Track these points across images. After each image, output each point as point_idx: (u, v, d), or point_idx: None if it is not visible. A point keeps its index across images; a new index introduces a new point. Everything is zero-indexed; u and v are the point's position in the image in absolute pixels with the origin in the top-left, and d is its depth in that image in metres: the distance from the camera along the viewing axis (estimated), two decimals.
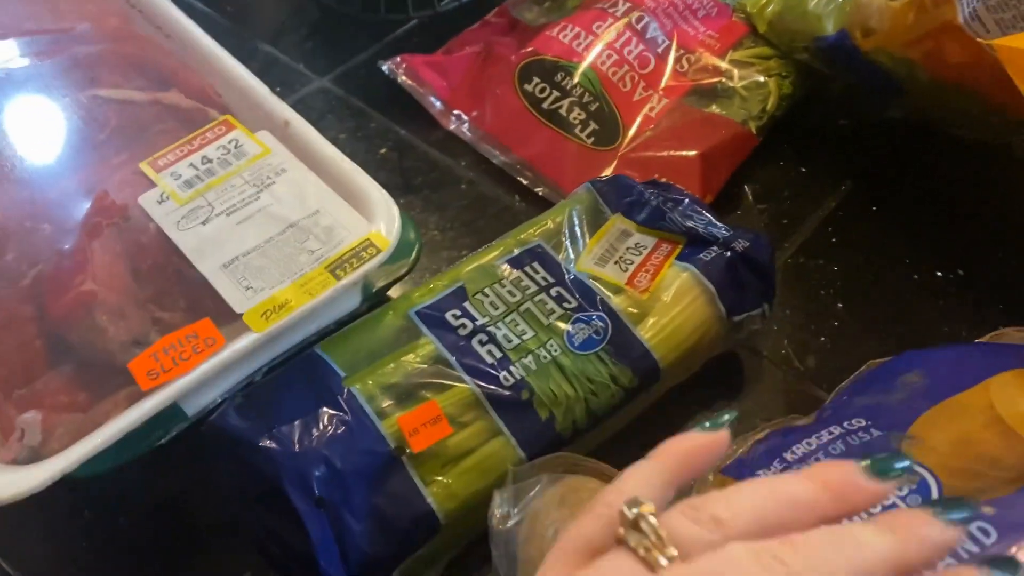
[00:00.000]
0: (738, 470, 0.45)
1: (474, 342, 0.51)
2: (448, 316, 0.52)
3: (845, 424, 0.44)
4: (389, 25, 0.83)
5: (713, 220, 0.58)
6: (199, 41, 0.63)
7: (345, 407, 0.48)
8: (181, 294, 0.51)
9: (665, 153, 0.69)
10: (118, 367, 0.47)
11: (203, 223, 0.52)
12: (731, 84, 0.73)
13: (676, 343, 0.54)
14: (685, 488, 0.32)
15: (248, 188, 0.54)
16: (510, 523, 0.45)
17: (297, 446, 0.46)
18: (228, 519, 0.51)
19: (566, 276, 0.55)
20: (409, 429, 0.47)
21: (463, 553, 0.51)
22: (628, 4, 0.75)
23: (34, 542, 0.54)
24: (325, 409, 0.47)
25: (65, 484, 0.44)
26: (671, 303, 0.54)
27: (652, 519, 0.29)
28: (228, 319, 0.49)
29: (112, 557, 0.54)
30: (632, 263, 0.56)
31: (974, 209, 0.70)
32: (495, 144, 0.73)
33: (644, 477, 0.31)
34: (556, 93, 0.71)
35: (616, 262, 0.56)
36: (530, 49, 0.73)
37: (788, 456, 0.44)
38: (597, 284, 0.55)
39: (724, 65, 0.74)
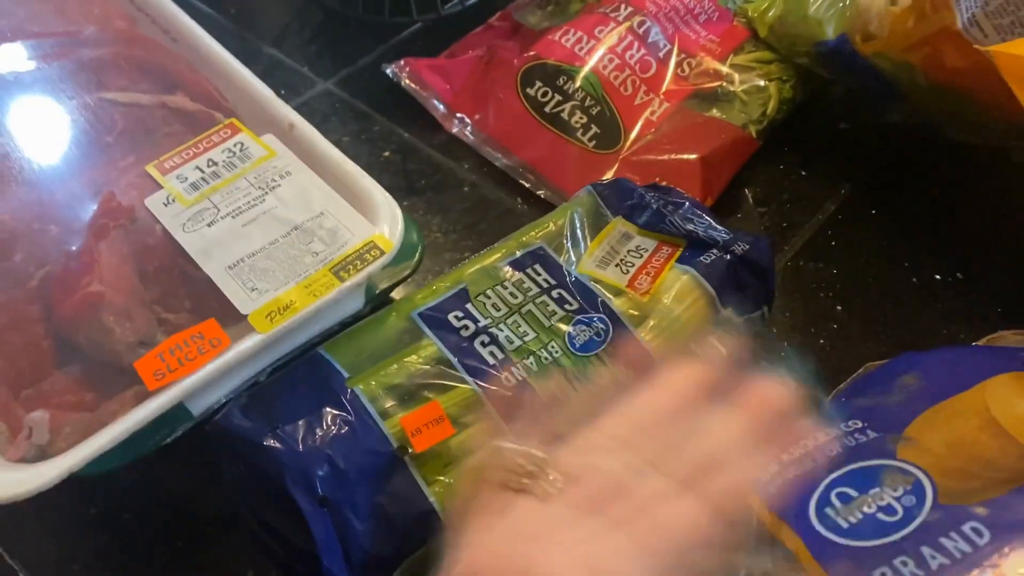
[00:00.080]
0: None
1: (476, 343, 0.52)
2: (450, 317, 0.53)
3: (842, 425, 0.45)
4: (393, 28, 0.83)
5: (713, 223, 0.58)
6: (205, 44, 0.63)
7: (348, 407, 0.48)
8: (187, 295, 0.51)
9: (666, 157, 0.69)
10: (124, 367, 0.48)
11: (209, 225, 0.52)
12: (732, 88, 0.73)
13: (676, 345, 0.54)
14: None
15: (253, 190, 0.54)
16: None
17: (301, 446, 0.46)
18: (232, 518, 0.52)
19: (567, 278, 0.55)
20: (412, 429, 0.48)
21: None
22: (630, 8, 0.75)
23: (41, 539, 0.54)
24: (328, 409, 0.48)
25: (72, 482, 0.44)
26: (671, 305, 0.55)
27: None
28: (233, 320, 0.49)
29: (117, 555, 0.54)
30: (633, 265, 0.56)
31: (973, 213, 0.70)
32: (497, 147, 0.73)
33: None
34: (558, 97, 0.72)
35: (617, 264, 0.56)
36: (532, 53, 0.73)
37: (785, 457, 0.44)
38: (598, 286, 0.55)
39: (725, 69, 0.74)
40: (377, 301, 0.55)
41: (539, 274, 0.55)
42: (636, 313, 0.54)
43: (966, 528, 0.38)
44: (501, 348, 0.52)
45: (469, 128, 0.75)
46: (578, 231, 0.58)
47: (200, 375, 0.47)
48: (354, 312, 0.53)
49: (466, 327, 0.52)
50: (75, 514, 0.55)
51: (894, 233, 0.69)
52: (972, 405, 0.43)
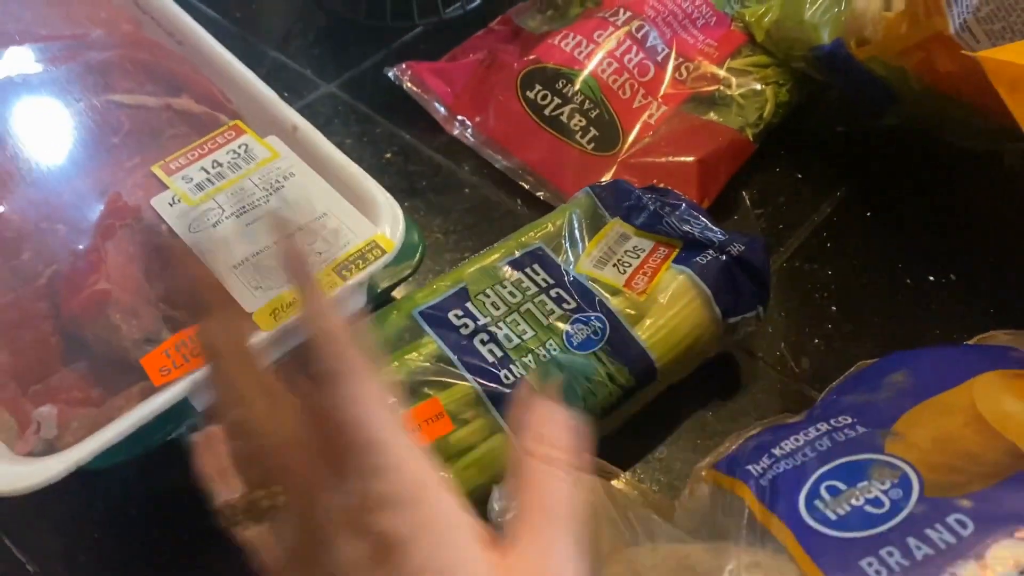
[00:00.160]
0: (729, 466, 0.47)
1: (475, 341, 0.53)
2: (451, 316, 0.54)
3: (832, 421, 0.46)
4: (395, 32, 0.84)
5: (709, 224, 0.59)
6: (209, 47, 0.64)
7: None
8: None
9: (663, 159, 0.70)
10: (131, 363, 0.48)
11: (214, 225, 0.53)
12: (729, 92, 0.74)
13: (672, 344, 0.55)
14: None
15: (257, 191, 0.55)
16: (509, 517, 0.46)
17: None
18: None
19: (566, 278, 0.56)
20: (412, 425, 0.48)
21: None
22: (629, 13, 0.76)
23: (48, 532, 0.55)
24: None
25: (79, 476, 0.45)
26: (668, 305, 0.55)
27: None
28: None
29: (124, 548, 0.55)
30: (630, 265, 0.57)
31: (966, 215, 0.71)
32: (498, 149, 0.74)
33: None
34: (557, 100, 0.73)
35: (614, 264, 0.57)
36: (532, 57, 0.74)
37: (776, 452, 0.45)
38: (596, 286, 0.56)
39: (722, 73, 0.75)
40: (379, 300, 0.56)
41: (538, 274, 0.56)
42: (633, 312, 0.55)
43: (951, 520, 0.38)
44: (500, 346, 0.52)
45: (470, 130, 0.75)
46: (576, 232, 0.59)
47: (205, 371, 0.48)
48: (356, 311, 0.54)
49: (466, 325, 0.53)
50: (82, 508, 0.56)
51: (888, 235, 0.70)
52: (959, 402, 0.44)
